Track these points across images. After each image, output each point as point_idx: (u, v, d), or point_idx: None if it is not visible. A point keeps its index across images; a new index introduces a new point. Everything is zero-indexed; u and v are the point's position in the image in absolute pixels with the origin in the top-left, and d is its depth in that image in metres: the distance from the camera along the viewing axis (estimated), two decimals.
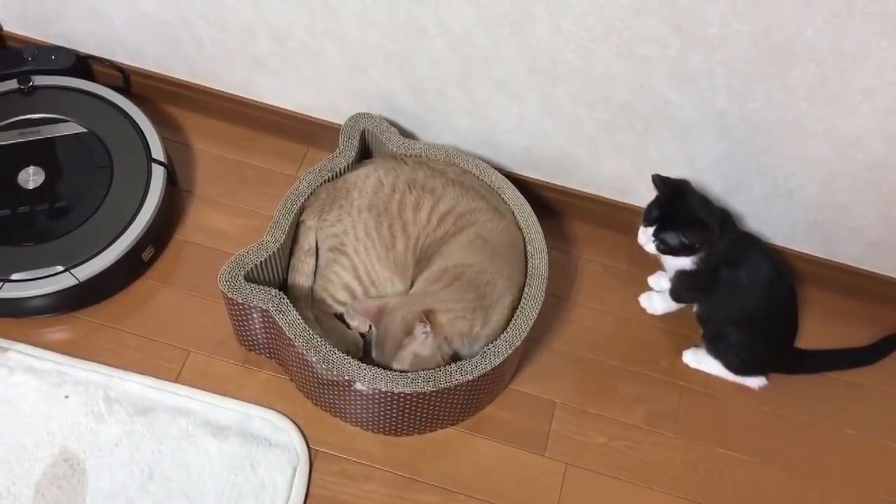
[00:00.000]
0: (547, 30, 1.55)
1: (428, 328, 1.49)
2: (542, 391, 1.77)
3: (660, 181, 1.62)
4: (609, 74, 1.60)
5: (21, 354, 1.70)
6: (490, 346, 1.57)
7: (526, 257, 1.68)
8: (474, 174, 1.77)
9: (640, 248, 1.66)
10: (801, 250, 1.87)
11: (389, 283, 1.70)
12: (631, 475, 1.70)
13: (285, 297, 1.57)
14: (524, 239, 1.71)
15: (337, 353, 1.53)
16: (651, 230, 1.61)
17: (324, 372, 1.54)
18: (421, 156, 1.79)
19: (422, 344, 1.52)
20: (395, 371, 1.53)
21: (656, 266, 1.84)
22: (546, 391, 1.77)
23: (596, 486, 1.68)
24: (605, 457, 1.71)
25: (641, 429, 1.75)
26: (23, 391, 1.65)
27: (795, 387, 1.82)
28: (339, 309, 1.71)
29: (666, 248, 1.61)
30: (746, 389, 1.81)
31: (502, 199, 1.76)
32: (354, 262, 1.68)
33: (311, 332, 1.54)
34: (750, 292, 1.68)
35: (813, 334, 1.86)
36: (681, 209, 1.61)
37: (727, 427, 1.77)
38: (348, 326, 1.70)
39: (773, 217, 1.81)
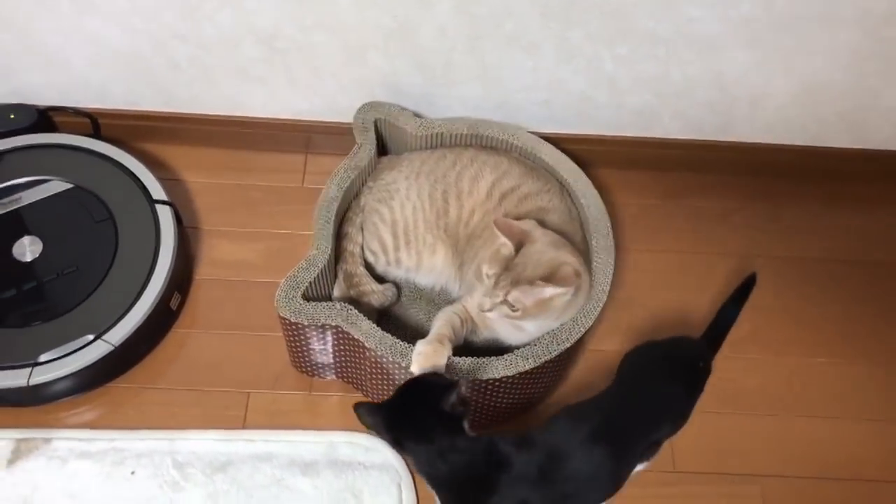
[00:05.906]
0: None
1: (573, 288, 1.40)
2: (620, 344, 1.70)
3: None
4: (629, 2, 1.53)
5: (68, 441, 1.53)
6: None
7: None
8: (505, 140, 1.69)
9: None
10: (831, 145, 1.85)
11: (429, 250, 1.62)
12: (733, 406, 1.65)
13: (353, 308, 1.45)
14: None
15: None
16: None
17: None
18: (444, 133, 1.69)
19: (561, 296, 1.39)
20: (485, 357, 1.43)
21: (689, 193, 1.80)
22: (624, 343, 1.69)
23: (704, 426, 1.62)
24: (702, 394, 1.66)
25: (727, 357, 1.68)
26: (84, 479, 1.49)
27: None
28: (369, 258, 1.64)
29: None
30: (810, 293, 1.79)
31: (541, 159, 1.68)
32: (395, 217, 1.61)
33: (392, 338, 1.42)
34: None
35: (857, 228, 1.86)
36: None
37: (805, 334, 1.75)
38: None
39: (801, 117, 1.78)
